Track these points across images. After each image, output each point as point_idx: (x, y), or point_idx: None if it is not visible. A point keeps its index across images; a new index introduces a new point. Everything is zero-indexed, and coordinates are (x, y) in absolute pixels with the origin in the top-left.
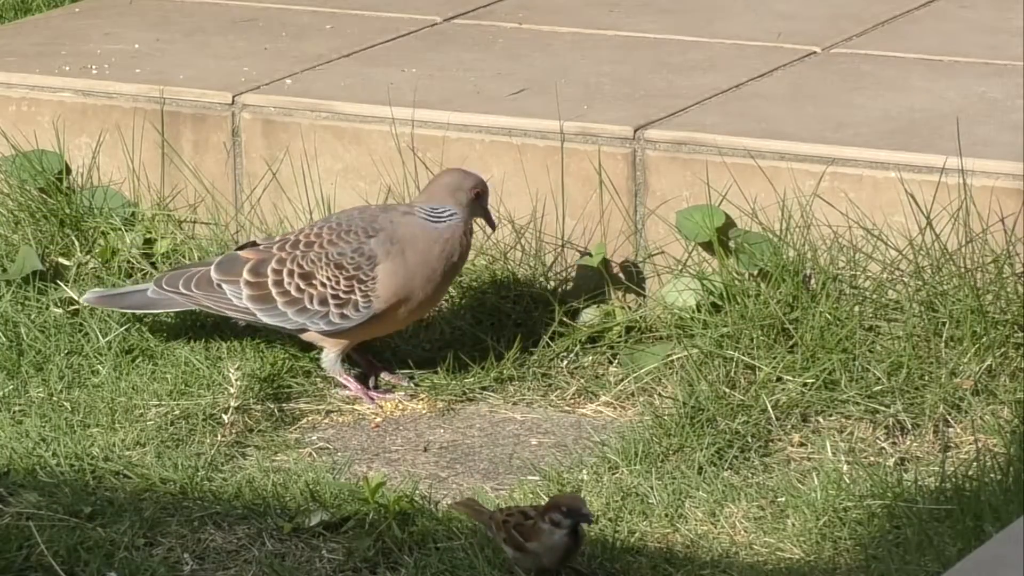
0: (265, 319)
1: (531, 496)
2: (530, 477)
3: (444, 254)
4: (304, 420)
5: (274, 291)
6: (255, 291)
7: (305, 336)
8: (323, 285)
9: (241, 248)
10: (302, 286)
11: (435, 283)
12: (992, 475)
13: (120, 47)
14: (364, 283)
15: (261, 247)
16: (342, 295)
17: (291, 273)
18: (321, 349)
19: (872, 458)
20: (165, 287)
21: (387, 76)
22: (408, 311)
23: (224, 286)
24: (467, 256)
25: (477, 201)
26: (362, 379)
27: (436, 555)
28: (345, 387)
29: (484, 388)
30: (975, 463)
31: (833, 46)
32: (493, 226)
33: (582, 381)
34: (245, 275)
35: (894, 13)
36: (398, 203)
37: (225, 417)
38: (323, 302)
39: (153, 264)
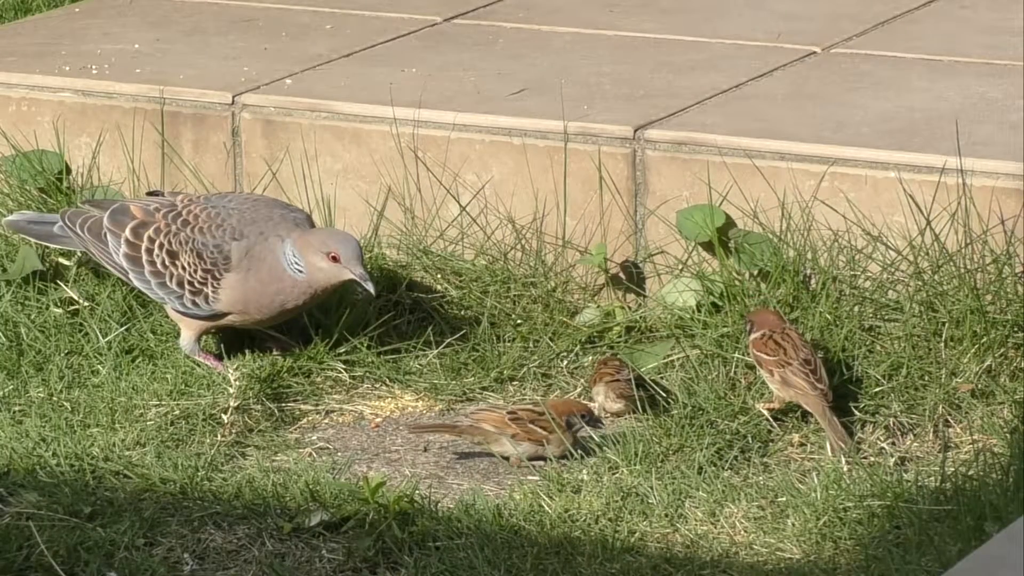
0: (135, 282)
1: (531, 495)
2: (530, 477)
3: (279, 296)
4: (304, 420)
5: (144, 257)
6: (131, 251)
7: (169, 313)
8: (183, 269)
9: (151, 194)
10: (167, 262)
11: (267, 313)
12: (992, 475)
13: (120, 47)
14: (217, 280)
15: (152, 207)
16: (197, 284)
17: (161, 247)
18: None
19: (872, 458)
20: (67, 222)
21: (387, 76)
22: (247, 321)
23: (109, 236)
24: (306, 307)
25: (336, 263)
26: (220, 357)
27: (436, 555)
28: (205, 364)
29: (484, 388)
30: (975, 463)
31: (833, 46)
32: (369, 290)
33: (582, 381)
34: (127, 233)
35: (894, 13)
36: (298, 220)
37: (225, 417)
38: (180, 284)
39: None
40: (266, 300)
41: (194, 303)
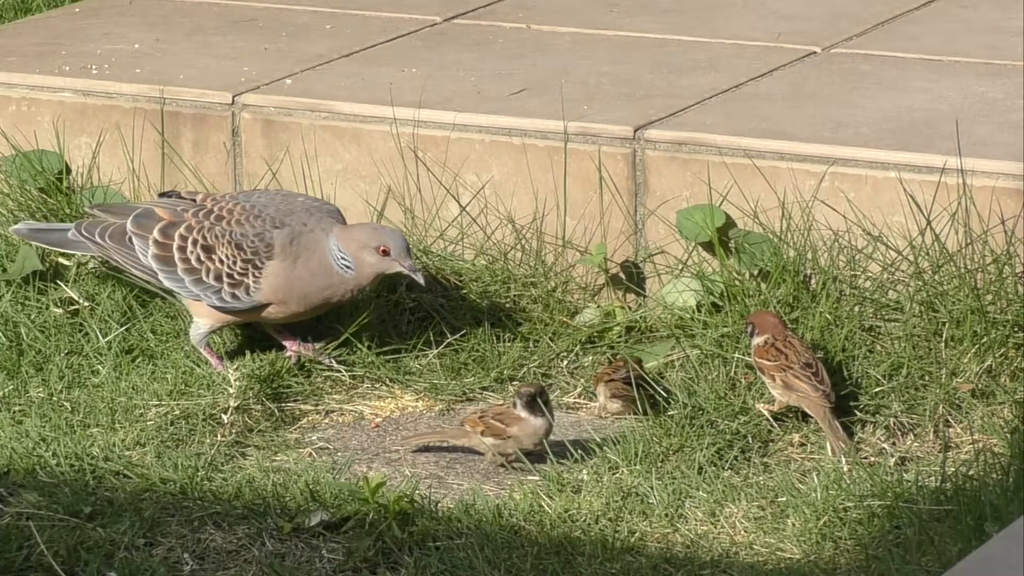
0: (166, 282)
1: (531, 495)
2: (530, 477)
3: (325, 289)
4: (304, 420)
5: (176, 256)
6: (161, 251)
7: (190, 307)
8: (221, 262)
9: (163, 195)
10: (202, 258)
11: (308, 305)
12: (992, 475)
13: (120, 47)
14: (258, 270)
15: (179, 208)
16: (236, 276)
17: (195, 243)
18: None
19: (872, 458)
20: (84, 233)
21: (387, 76)
22: (283, 314)
23: (135, 240)
24: (351, 302)
25: (387, 257)
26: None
27: (436, 555)
28: (207, 362)
29: (484, 388)
30: (975, 463)
31: (833, 46)
32: (417, 282)
33: (582, 381)
34: (155, 234)
35: (894, 13)
36: (331, 212)
37: (225, 417)
38: (218, 278)
39: None
40: (312, 290)
41: (233, 296)
